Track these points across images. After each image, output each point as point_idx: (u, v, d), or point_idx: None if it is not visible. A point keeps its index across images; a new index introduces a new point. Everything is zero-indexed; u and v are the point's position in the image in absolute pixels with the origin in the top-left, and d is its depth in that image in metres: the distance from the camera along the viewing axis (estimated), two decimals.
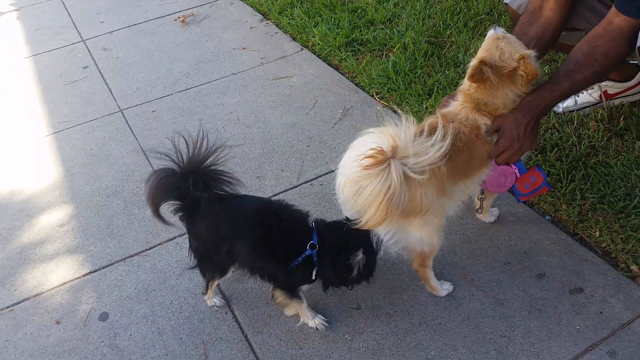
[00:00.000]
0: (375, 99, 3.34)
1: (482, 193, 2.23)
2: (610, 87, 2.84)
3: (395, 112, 3.14)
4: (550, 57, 3.28)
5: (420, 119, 1.93)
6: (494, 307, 2.10)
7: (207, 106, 3.47)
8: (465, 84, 1.95)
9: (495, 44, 1.87)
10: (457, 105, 1.97)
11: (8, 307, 2.33)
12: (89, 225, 2.70)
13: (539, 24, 2.26)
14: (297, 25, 4.16)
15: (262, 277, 2.00)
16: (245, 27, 4.38)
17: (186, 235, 2.48)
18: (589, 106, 2.90)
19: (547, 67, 3.22)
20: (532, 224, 2.40)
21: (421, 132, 1.73)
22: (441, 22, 3.80)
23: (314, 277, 1.92)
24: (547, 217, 2.43)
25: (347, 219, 1.87)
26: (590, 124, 2.80)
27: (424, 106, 3.11)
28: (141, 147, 3.19)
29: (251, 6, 4.67)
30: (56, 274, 2.45)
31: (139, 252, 2.51)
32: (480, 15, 3.81)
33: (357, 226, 1.72)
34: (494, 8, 3.87)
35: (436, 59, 3.48)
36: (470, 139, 1.89)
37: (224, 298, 2.24)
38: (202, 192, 1.86)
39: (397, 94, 3.27)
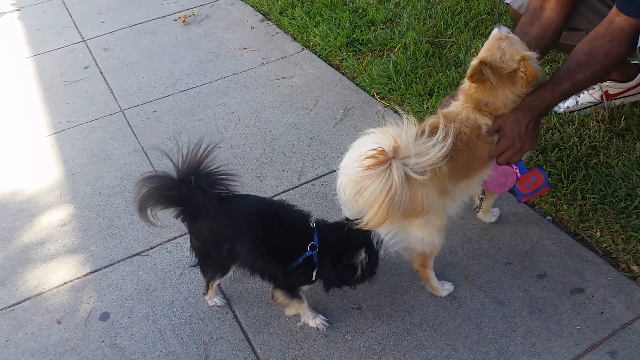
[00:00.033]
0: (376, 99, 3.34)
1: (483, 193, 2.23)
2: (611, 87, 2.84)
3: (396, 112, 3.14)
4: (551, 57, 3.28)
5: (421, 119, 1.93)
6: (494, 307, 2.10)
7: (208, 106, 3.48)
8: (466, 83, 1.95)
9: (497, 44, 1.87)
10: (458, 106, 1.97)
11: (9, 307, 2.33)
12: (89, 225, 2.70)
13: (540, 23, 2.26)
14: (297, 25, 4.16)
15: (262, 277, 2.00)
16: (246, 27, 4.39)
17: (187, 236, 2.49)
18: (590, 106, 2.90)
19: (547, 67, 3.22)
20: (533, 224, 2.40)
21: (422, 132, 1.73)
22: (442, 22, 3.80)
23: (314, 278, 1.92)
24: (548, 218, 2.43)
25: (347, 219, 1.87)
26: (591, 124, 2.80)
27: (425, 106, 3.11)
28: (142, 147, 3.19)
29: (252, 6, 4.67)
30: (57, 274, 2.46)
31: (140, 252, 2.52)
32: (481, 15, 3.80)
33: (358, 227, 1.72)
34: (495, 8, 3.87)
35: (437, 59, 3.48)
36: (472, 139, 1.89)
37: (224, 298, 2.24)
38: (202, 195, 1.86)
39: (398, 94, 3.27)
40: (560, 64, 2.91)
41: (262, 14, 4.54)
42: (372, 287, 2.21)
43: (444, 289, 2.15)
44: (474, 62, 1.87)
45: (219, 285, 2.23)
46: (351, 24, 3.98)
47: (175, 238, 2.54)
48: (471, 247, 2.34)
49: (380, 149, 1.62)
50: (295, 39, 4.10)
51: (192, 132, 3.26)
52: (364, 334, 2.06)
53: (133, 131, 3.34)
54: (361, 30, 3.91)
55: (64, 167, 3.11)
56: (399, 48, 3.62)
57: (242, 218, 1.94)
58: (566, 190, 2.47)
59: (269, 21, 4.41)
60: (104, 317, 2.25)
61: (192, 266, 2.14)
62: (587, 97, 2.89)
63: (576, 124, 2.82)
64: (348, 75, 3.61)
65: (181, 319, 2.19)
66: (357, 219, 1.75)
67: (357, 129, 3.08)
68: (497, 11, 3.84)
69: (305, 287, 2.00)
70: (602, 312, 2.03)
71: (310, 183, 2.79)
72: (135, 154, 3.14)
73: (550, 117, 2.88)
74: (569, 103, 2.91)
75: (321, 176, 2.82)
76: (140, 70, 3.97)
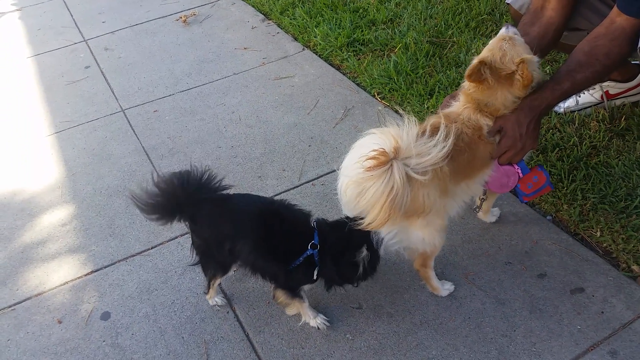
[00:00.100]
0: (377, 99, 3.34)
1: (485, 194, 2.23)
2: (612, 87, 2.84)
3: (397, 112, 3.14)
4: (552, 57, 3.29)
5: (421, 119, 1.94)
6: (495, 307, 2.10)
7: (209, 106, 3.48)
8: (466, 83, 1.95)
9: (499, 44, 1.87)
10: (459, 106, 1.97)
11: (10, 307, 2.34)
12: (90, 224, 2.70)
13: (541, 24, 2.26)
14: (298, 25, 4.16)
15: (263, 277, 2.00)
16: (247, 27, 4.39)
17: (187, 235, 2.50)
18: (590, 106, 2.90)
19: (548, 67, 3.22)
20: (533, 224, 2.41)
21: (423, 133, 1.73)
22: (443, 22, 3.80)
23: (315, 277, 1.93)
24: (548, 217, 2.43)
25: (348, 217, 1.88)
26: (591, 124, 2.80)
27: (426, 106, 3.11)
28: (143, 147, 3.19)
29: (253, 6, 4.67)
30: (58, 274, 2.46)
31: (141, 252, 2.52)
32: (481, 16, 3.81)
33: (360, 227, 1.72)
34: (496, 8, 3.87)
35: (438, 59, 3.48)
36: (473, 139, 1.89)
37: (225, 297, 2.24)
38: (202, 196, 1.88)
39: (398, 94, 3.27)
40: (560, 64, 2.91)
41: (263, 14, 4.54)
42: (373, 286, 2.21)
43: (445, 288, 2.15)
44: (474, 61, 1.87)
45: (219, 284, 2.24)
46: (352, 24, 3.98)
47: (176, 237, 2.55)
48: (471, 247, 2.34)
49: (382, 149, 1.62)
50: (296, 39, 4.11)
51: (192, 132, 3.26)
52: (364, 334, 2.06)
53: (134, 131, 3.34)
54: (362, 30, 3.92)
55: (64, 167, 3.11)
56: (400, 48, 3.62)
57: (243, 217, 1.94)
58: (566, 190, 2.48)
59: (270, 21, 4.41)
60: (105, 316, 2.25)
61: (193, 265, 2.14)
62: (587, 97, 2.90)
63: (576, 124, 2.82)
64: (349, 75, 3.61)
65: (182, 319, 2.20)
66: (357, 217, 1.75)
67: (358, 128, 3.08)
68: (497, 11, 3.84)
69: (306, 287, 2.00)
70: (603, 312, 2.03)
71: (311, 183, 2.79)
72: (136, 154, 3.14)
73: (550, 117, 2.89)
74: (570, 103, 2.92)
75: (322, 176, 2.83)
76: (141, 70, 3.97)
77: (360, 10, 4.18)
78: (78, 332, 2.20)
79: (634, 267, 2.16)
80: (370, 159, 1.61)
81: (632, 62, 2.84)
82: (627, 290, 2.09)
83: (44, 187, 2.98)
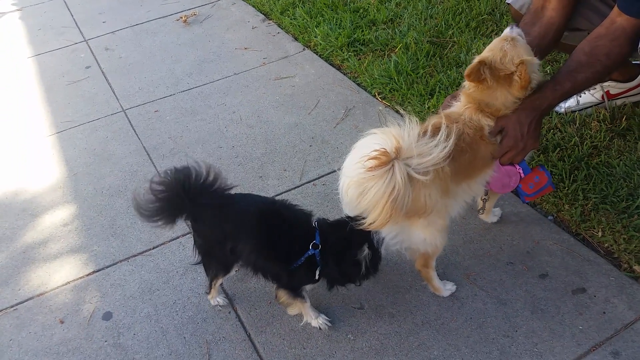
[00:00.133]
0: (377, 99, 3.34)
1: (486, 194, 2.24)
2: (613, 87, 2.84)
3: (397, 112, 3.15)
4: (552, 57, 3.29)
5: (422, 119, 1.94)
6: (496, 307, 2.10)
7: (210, 106, 3.48)
8: (466, 83, 1.95)
9: (500, 45, 1.87)
10: (460, 106, 1.97)
11: (12, 307, 2.34)
12: (92, 224, 2.71)
13: (542, 24, 2.26)
14: (299, 25, 4.16)
15: (265, 277, 2.01)
16: (247, 27, 4.39)
17: (189, 235, 2.50)
18: (591, 106, 2.90)
19: (549, 67, 3.22)
20: (535, 224, 2.41)
21: (424, 133, 1.73)
22: (443, 22, 3.80)
23: (317, 277, 1.93)
24: (549, 217, 2.43)
25: (348, 217, 1.88)
26: (592, 124, 2.81)
27: (426, 106, 3.11)
28: (144, 146, 3.19)
29: (253, 6, 4.67)
30: (60, 274, 2.46)
31: (143, 252, 2.52)
32: (482, 16, 3.81)
33: (361, 227, 1.72)
34: (496, 8, 3.87)
35: (438, 59, 3.48)
36: (474, 139, 1.89)
37: (227, 297, 2.24)
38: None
39: (399, 94, 3.27)
40: (561, 64, 2.92)
41: (263, 14, 4.54)
42: (375, 287, 2.21)
43: (446, 289, 2.15)
44: (474, 61, 1.88)
45: (221, 284, 2.24)
46: (352, 24, 3.98)
47: (178, 238, 2.55)
48: (473, 247, 2.34)
49: (383, 149, 1.62)
50: (296, 39, 4.11)
51: (193, 132, 3.26)
52: (366, 334, 2.07)
53: (135, 131, 3.34)
54: (362, 30, 3.92)
55: (66, 167, 3.12)
56: (400, 48, 3.62)
57: (244, 217, 1.95)
58: (568, 190, 2.48)
59: (270, 21, 4.42)
60: (107, 316, 2.25)
61: (195, 264, 2.14)
62: (588, 97, 2.90)
63: (577, 124, 2.82)
64: (349, 75, 3.62)
65: (184, 319, 2.20)
66: (357, 216, 1.75)
67: (359, 128, 3.08)
68: (498, 11, 3.84)
69: (308, 287, 2.01)
70: (604, 312, 2.03)
71: (312, 183, 2.79)
72: (137, 154, 3.14)
73: (551, 117, 2.89)
74: (570, 103, 2.92)
75: (323, 176, 2.83)
76: (141, 70, 3.98)
77: (361, 10, 4.18)
78: (80, 332, 2.20)
79: (636, 268, 2.16)
80: (372, 159, 1.61)
81: (633, 62, 2.84)
82: (629, 291, 2.09)
83: (46, 187, 2.98)
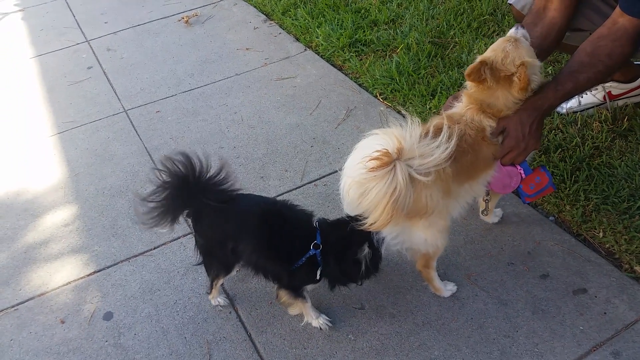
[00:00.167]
0: (379, 99, 3.34)
1: (488, 195, 2.23)
2: (614, 87, 2.84)
3: (399, 112, 3.14)
4: (554, 57, 3.28)
5: (424, 120, 1.94)
6: (497, 308, 2.10)
7: (211, 107, 3.48)
8: (467, 83, 1.95)
9: (503, 45, 1.87)
10: (462, 107, 1.97)
11: (13, 307, 2.34)
12: (93, 225, 2.71)
13: (543, 24, 2.26)
14: (300, 26, 4.16)
15: (266, 277, 2.01)
16: (249, 27, 4.39)
17: (190, 236, 2.51)
18: (592, 107, 2.90)
19: (550, 67, 3.22)
20: (536, 224, 2.41)
21: (426, 134, 1.73)
22: (445, 23, 3.80)
23: (318, 277, 1.93)
24: (550, 218, 2.43)
25: (349, 216, 1.88)
26: (594, 124, 2.80)
27: (428, 107, 3.11)
28: (145, 147, 3.20)
29: (255, 7, 4.67)
30: (61, 274, 2.47)
31: (143, 252, 2.52)
32: (483, 16, 3.81)
33: (362, 227, 1.72)
34: (498, 9, 3.87)
35: (440, 59, 3.48)
36: (476, 140, 1.89)
37: (227, 298, 2.24)
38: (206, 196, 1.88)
39: (400, 95, 3.27)
40: (563, 65, 2.91)
41: (264, 14, 4.55)
42: (375, 287, 2.21)
43: (447, 289, 2.15)
44: (476, 61, 1.88)
45: (222, 284, 2.24)
46: (354, 25, 3.98)
47: (179, 238, 2.55)
48: (474, 248, 2.34)
49: (385, 150, 1.62)
50: (298, 40, 4.11)
51: (195, 132, 3.27)
52: (366, 334, 2.07)
53: (136, 131, 3.34)
54: (364, 31, 3.92)
55: (67, 167, 3.12)
56: (402, 48, 3.62)
57: (245, 217, 1.95)
58: (569, 190, 2.47)
59: (272, 22, 4.42)
60: (108, 316, 2.25)
61: (197, 264, 2.14)
62: (590, 97, 2.89)
63: (579, 125, 2.82)
64: (351, 75, 3.62)
65: (184, 319, 2.20)
66: (358, 217, 1.75)
67: (360, 129, 3.08)
68: (499, 12, 3.84)
69: (309, 287, 2.01)
70: (605, 313, 2.03)
71: (313, 183, 2.79)
72: (138, 154, 3.14)
73: (553, 118, 2.88)
74: (572, 104, 2.91)
75: (324, 176, 2.83)
76: (143, 70, 3.98)
77: (362, 11, 4.18)
78: (81, 332, 2.21)
79: (637, 268, 2.15)
80: (373, 159, 1.61)
81: (635, 62, 2.83)
82: (630, 291, 2.09)
83: (47, 187, 2.99)
